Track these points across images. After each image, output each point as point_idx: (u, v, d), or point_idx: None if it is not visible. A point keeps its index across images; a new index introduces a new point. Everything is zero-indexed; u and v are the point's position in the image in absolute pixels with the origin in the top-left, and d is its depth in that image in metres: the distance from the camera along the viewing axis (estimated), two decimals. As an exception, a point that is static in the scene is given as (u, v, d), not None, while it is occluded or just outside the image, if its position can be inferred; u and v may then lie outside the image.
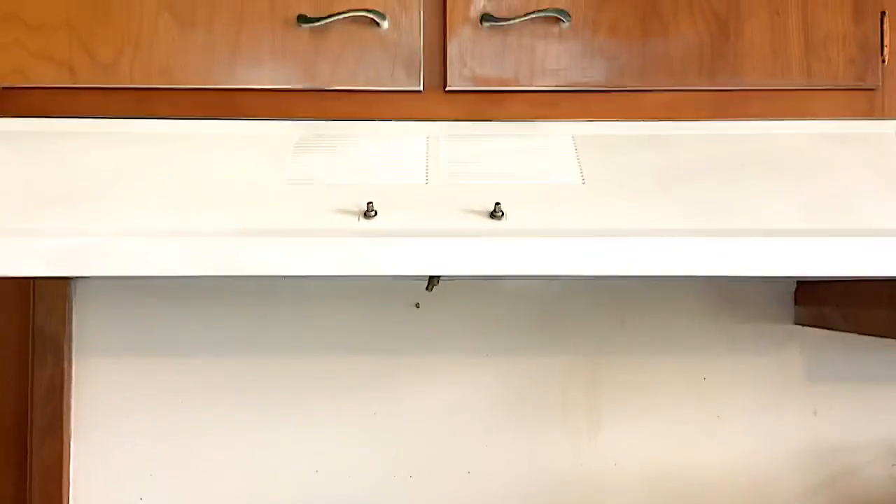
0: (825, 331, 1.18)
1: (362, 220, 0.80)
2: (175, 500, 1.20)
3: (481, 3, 0.92)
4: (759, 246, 0.76)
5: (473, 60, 0.92)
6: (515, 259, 0.77)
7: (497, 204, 0.80)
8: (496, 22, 0.91)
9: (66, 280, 1.20)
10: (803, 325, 1.19)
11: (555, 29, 0.92)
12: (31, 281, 1.21)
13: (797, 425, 1.21)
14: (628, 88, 0.93)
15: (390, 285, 1.22)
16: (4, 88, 0.90)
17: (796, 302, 1.21)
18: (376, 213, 0.80)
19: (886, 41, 0.92)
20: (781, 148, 0.89)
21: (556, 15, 0.91)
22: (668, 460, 1.21)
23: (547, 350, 1.22)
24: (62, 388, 1.18)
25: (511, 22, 0.91)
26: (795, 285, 1.21)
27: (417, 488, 1.21)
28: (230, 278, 1.21)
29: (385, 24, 0.92)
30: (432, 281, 0.88)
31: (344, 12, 0.90)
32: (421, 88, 0.93)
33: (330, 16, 0.90)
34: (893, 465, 1.21)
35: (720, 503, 1.21)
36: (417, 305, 1.23)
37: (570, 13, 0.91)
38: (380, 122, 0.93)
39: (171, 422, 1.20)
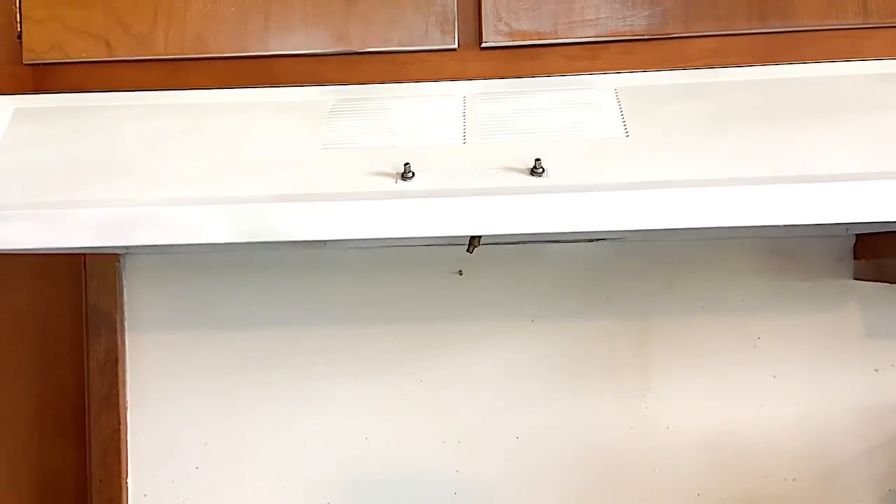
0: (886, 285, 1.13)
1: (400, 181, 0.78)
2: (230, 469, 1.22)
3: (515, -46, 0.89)
4: (814, 191, 0.72)
5: (509, 14, 0.90)
6: (557, 215, 0.75)
7: (537, 160, 0.78)
8: (531, -27, 0.88)
9: (114, 257, 1.22)
10: (863, 280, 1.14)
11: (593, -24, 0.89)
12: (82, 259, 1.24)
13: (857, 384, 1.17)
14: (672, 35, 0.89)
15: (433, 253, 1.21)
16: (43, 64, 0.91)
17: (855, 256, 1.15)
18: (414, 175, 0.79)
19: (949, -29, 0.86)
20: (837, 91, 0.84)
21: (593, -38, 0.88)
22: (722, 422, 1.18)
23: (594, 313, 1.20)
24: (117, 361, 1.21)
25: (547, -28, 0.88)
26: (854, 239, 1.16)
27: (466, 454, 1.21)
28: (276, 251, 1.22)
29: (417, -19, 0.90)
30: (473, 242, 0.87)
31: (375, -29, 0.88)
32: (455, 46, 0.91)
33: (361, -25, 0.88)
34: (962, 423, 1.16)
35: (776, 465, 1.18)
36: (461, 272, 1.21)
37: (609, -41, 0.88)
38: (414, 84, 0.91)
39: (222, 393, 1.22)
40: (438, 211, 0.76)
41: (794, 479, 1.18)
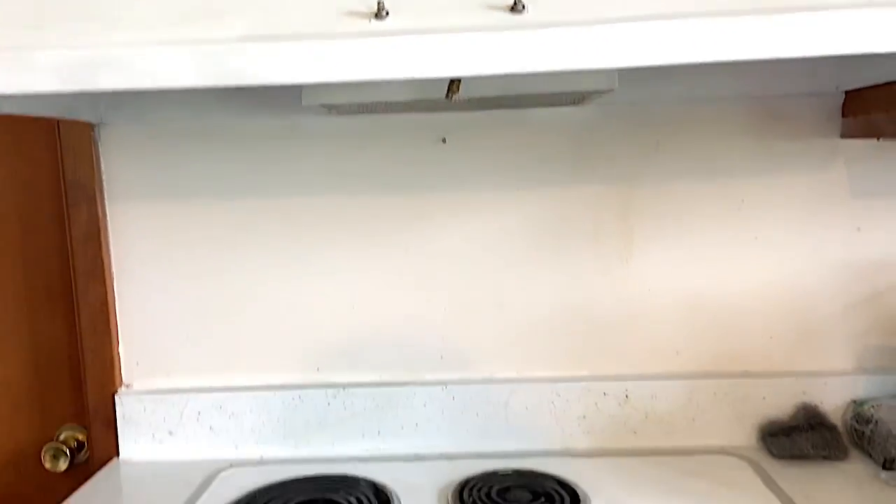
0: (873, 142, 1.12)
1: (374, 20, 0.75)
2: (220, 338, 1.24)
3: None
4: (805, 21, 0.70)
5: None
6: (538, 53, 0.73)
7: (517, -4, 0.74)
8: None
9: (88, 126, 1.19)
10: (851, 137, 1.13)
11: None
12: (56, 130, 1.21)
13: (839, 243, 1.18)
14: None
15: (415, 120, 1.18)
16: None
17: (844, 114, 1.14)
18: (388, 13, 0.75)
19: None
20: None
21: None
22: (702, 284, 1.20)
23: (578, 180, 1.19)
24: (99, 233, 1.20)
25: None
26: (843, 97, 1.14)
27: (450, 322, 1.22)
28: (254, 119, 1.19)
29: None
30: (452, 88, 0.84)
31: None
32: None
33: None
34: (939, 282, 1.18)
35: (755, 324, 1.20)
36: (444, 140, 1.19)
37: None
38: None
39: (208, 263, 1.23)
40: (415, 50, 0.73)
41: (771, 338, 1.20)
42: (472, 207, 1.21)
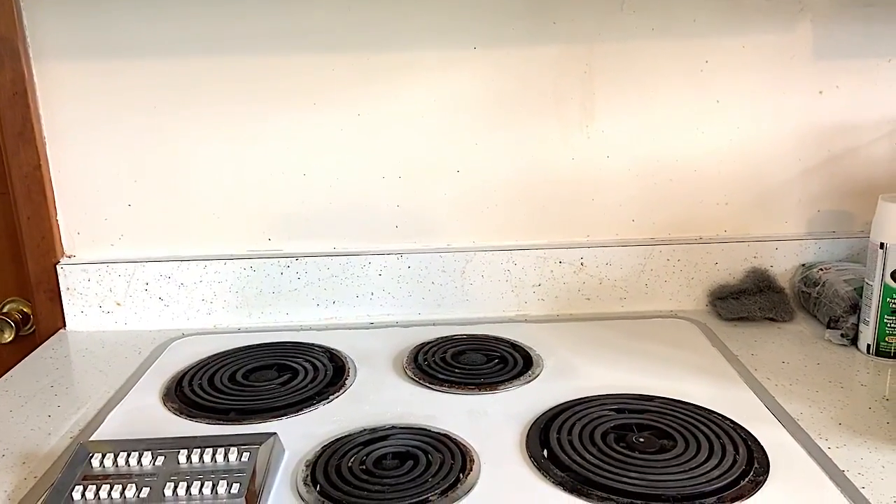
0: None
1: None
2: (164, 206, 1.19)
3: None
4: None
5: None
6: None
7: None
8: None
9: (5, -28, 1.09)
10: (819, -7, 1.09)
11: None
12: (-31, -23, 1.10)
13: (799, 107, 1.16)
14: None
15: (366, -29, 1.10)
16: None
17: (815, -31, 1.09)
18: None
19: None
20: None
21: None
22: (661, 149, 1.18)
23: (539, 39, 1.14)
24: (26, 93, 1.12)
25: None
26: (816, -50, 1.09)
27: (407, 188, 1.19)
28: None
29: None
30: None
31: None
32: None
33: None
34: None
35: (711, 190, 1.20)
36: (398, -6, 1.12)
37: None
38: None
39: (148, 127, 1.16)
40: None
41: (727, 203, 1.20)
42: (426, 68, 1.15)
